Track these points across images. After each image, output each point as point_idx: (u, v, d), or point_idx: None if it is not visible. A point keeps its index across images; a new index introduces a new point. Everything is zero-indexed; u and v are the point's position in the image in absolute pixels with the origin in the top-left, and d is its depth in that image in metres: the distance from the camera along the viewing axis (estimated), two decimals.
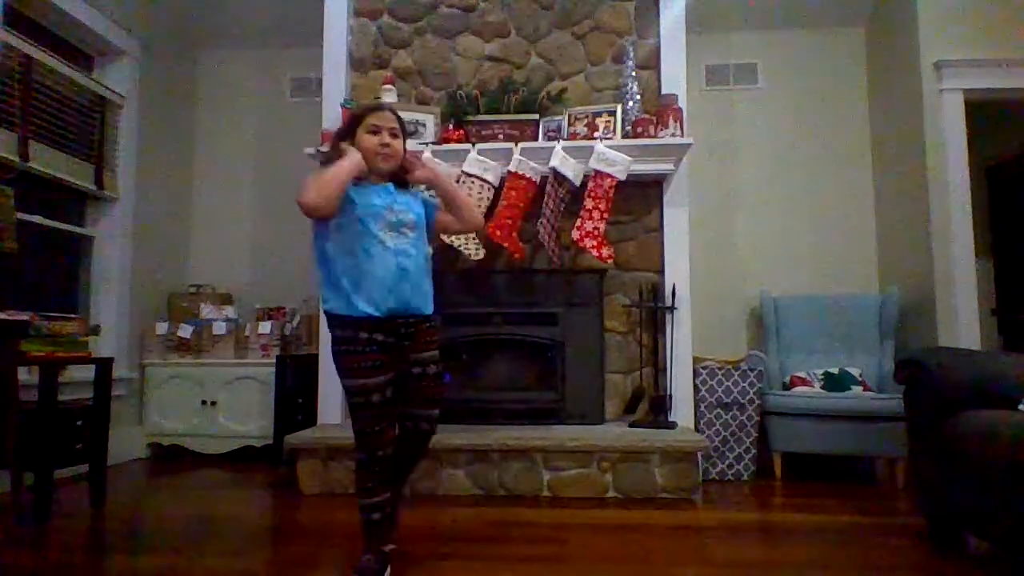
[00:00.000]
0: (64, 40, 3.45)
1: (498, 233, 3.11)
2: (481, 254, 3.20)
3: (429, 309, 1.89)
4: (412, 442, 1.93)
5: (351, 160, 1.76)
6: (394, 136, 1.86)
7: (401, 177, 1.92)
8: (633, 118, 3.21)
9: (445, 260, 3.28)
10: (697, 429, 3.22)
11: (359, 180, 1.81)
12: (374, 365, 1.77)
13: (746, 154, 4.12)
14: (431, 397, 1.91)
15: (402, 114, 3.21)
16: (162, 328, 3.82)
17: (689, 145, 3.14)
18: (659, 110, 3.21)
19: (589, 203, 3.12)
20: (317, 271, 1.84)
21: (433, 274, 1.95)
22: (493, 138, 3.24)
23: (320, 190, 1.69)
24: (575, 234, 3.12)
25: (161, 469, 3.50)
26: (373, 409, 1.77)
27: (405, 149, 1.91)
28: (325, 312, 1.82)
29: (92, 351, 2.72)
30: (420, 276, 1.85)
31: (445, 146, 3.19)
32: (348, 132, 1.87)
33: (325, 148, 1.94)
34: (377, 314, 1.75)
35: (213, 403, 3.72)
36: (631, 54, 3.28)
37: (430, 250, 1.97)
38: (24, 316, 2.47)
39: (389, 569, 1.82)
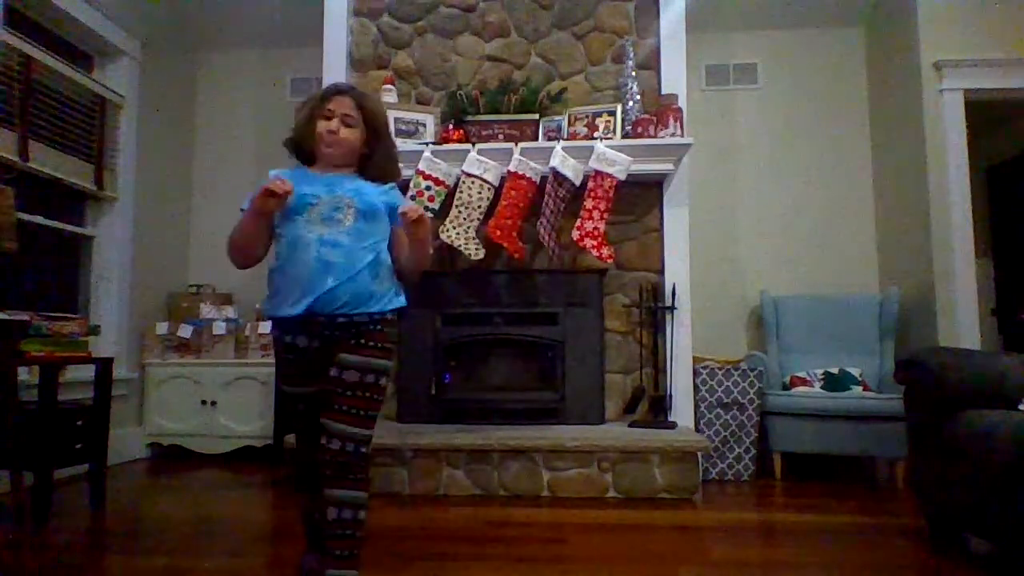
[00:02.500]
0: (64, 40, 3.45)
1: (498, 233, 3.11)
2: (481, 254, 3.20)
3: (374, 307, 1.59)
4: (333, 471, 1.54)
5: (253, 204, 1.57)
6: (347, 124, 1.66)
7: (375, 178, 1.71)
8: (633, 118, 3.21)
9: (445, 260, 3.28)
10: (697, 429, 3.22)
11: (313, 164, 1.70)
12: (295, 373, 1.64)
13: (746, 154, 4.12)
14: (346, 407, 1.55)
15: (402, 114, 3.29)
16: (162, 328, 3.82)
17: (689, 145, 3.14)
18: (659, 110, 3.21)
19: (589, 203, 3.12)
20: None
21: (433, 274, 1.85)
22: (493, 138, 3.24)
23: (236, 254, 1.65)
24: (575, 234, 3.12)
25: (161, 469, 3.50)
26: (298, 420, 1.67)
27: (374, 143, 1.70)
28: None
29: (92, 351, 2.72)
30: (354, 269, 1.56)
31: (445, 146, 3.19)
32: (308, 117, 1.69)
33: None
34: (292, 313, 1.54)
35: (213, 403, 3.72)
36: (631, 54, 3.28)
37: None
38: (24, 316, 2.47)
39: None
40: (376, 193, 1.67)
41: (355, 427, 1.55)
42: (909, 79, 3.61)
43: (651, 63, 3.43)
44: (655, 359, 3.30)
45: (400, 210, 1.62)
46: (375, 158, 1.71)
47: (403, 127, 3.28)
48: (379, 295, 1.60)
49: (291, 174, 1.64)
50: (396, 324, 1.69)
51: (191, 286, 4.12)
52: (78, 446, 2.60)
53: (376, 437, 2.93)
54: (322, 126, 1.66)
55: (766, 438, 3.31)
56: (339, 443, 1.54)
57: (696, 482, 2.83)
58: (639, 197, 3.35)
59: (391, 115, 3.25)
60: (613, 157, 3.06)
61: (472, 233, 3.18)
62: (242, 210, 1.62)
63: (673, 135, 3.14)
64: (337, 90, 1.71)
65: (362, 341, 1.59)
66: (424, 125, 3.30)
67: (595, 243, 3.09)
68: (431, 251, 1.75)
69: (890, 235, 3.88)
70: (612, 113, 3.21)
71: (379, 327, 1.61)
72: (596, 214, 3.12)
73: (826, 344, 3.63)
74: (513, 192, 3.13)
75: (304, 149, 1.72)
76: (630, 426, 3.13)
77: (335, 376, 1.57)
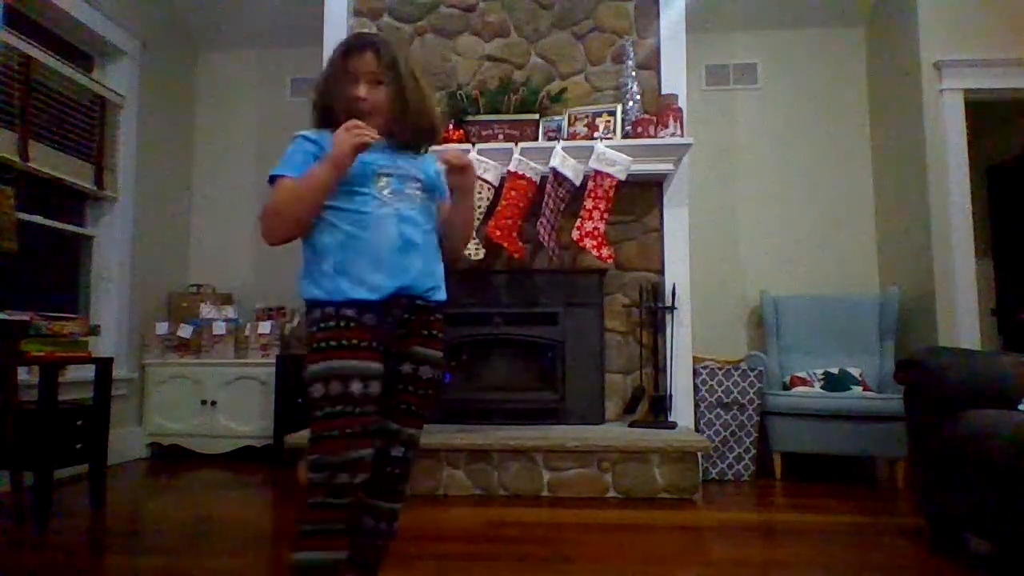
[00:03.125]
0: (64, 40, 3.45)
1: (498, 233, 3.11)
2: (481, 254, 3.20)
3: (442, 295, 1.42)
4: (385, 480, 1.39)
5: (326, 164, 1.28)
6: (375, 83, 1.35)
7: (410, 140, 1.42)
8: (633, 118, 3.21)
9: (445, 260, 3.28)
10: (697, 429, 3.22)
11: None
12: (358, 345, 1.28)
13: (746, 154, 4.12)
14: (416, 410, 1.40)
15: None
16: (162, 328, 3.82)
17: (689, 145, 3.14)
18: (659, 110, 3.21)
19: (589, 203, 3.12)
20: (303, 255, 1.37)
21: None
22: (493, 138, 3.24)
23: (286, 219, 1.29)
24: (575, 234, 3.12)
25: (161, 469, 3.50)
26: (345, 403, 1.24)
27: (403, 97, 1.36)
28: (304, 301, 1.34)
29: (92, 351, 2.72)
30: (430, 253, 1.40)
31: (445, 146, 3.19)
32: (331, 83, 1.39)
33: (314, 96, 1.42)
34: (372, 297, 1.29)
35: (213, 403, 3.72)
36: (631, 54, 3.28)
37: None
38: (24, 316, 2.47)
39: None
40: (433, 168, 1.44)
41: (419, 430, 1.42)
42: (909, 79, 3.61)
43: (651, 63, 3.43)
44: (655, 359, 3.30)
45: (442, 157, 1.41)
46: (407, 117, 1.38)
47: None
48: (442, 281, 1.43)
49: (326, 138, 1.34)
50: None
51: (191, 286, 4.12)
52: (78, 446, 2.59)
53: None
54: (349, 92, 1.36)
55: (766, 438, 3.31)
56: (403, 450, 1.39)
57: (696, 482, 2.83)
58: (639, 197, 3.35)
59: None
60: (613, 157, 3.06)
61: (472, 233, 3.18)
62: (273, 178, 1.31)
63: (673, 135, 3.14)
64: (358, 44, 1.38)
65: (434, 332, 1.41)
66: None
67: (595, 243, 3.09)
68: (471, 216, 1.54)
69: (890, 235, 3.88)
70: (612, 113, 3.21)
71: (438, 317, 1.43)
72: (596, 214, 3.12)
73: (826, 344, 3.63)
74: (513, 192, 3.13)
75: (334, 115, 1.37)
76: (630, 426, 3.13)
77: (409, 372, 1.38)
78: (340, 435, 1.24)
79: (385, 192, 1.34)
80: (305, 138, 1.36)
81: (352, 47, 1.38)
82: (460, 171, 1.41)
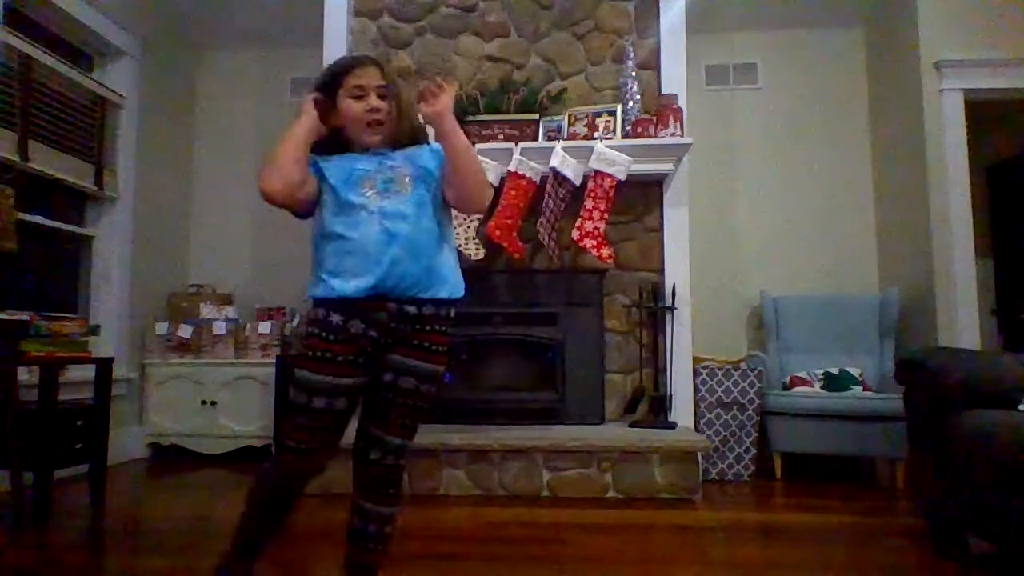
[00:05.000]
0: (64, 40, 3.45)
1: (498, 233, 3.11)
2: (481, 254, 3.20)
3: (443, 292, 1.41)
4: (367, 481, 1.45)
5: (301, 121, 1.41)
6: (382, 96, 1.43)
7: (408, 143, 1.49)
8: (633, 118, 3.21)
9: None
10: (697, 429, 3.22)
11: (347, 149, 1.46)
12: (332, 358, 1.34)
13: (746, 154, 4.12)
14: (400, 420, 1.42)
15: None
16: (162, 328, 3.82)
17: (689, 145, 3.14)
18: (659, 110, 3.21)
19: (589, 203, 3.12)
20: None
21: None
22: (493, 138, 3.24)
23: (270, 167, 1.36)
24: (575, 234, 3.12)
25: (161, 469, 3.50)
26: (315, 418, 1.34)
27: (400, 106, 1.45)
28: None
29: (92, 351, 2.72)
30: (422, 243, 1.39)
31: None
32: (327, 91, 1.46)
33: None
34: (355, 292, 1.34)
35: (213, 403, 3.72)
36: (631, 54, 3.28)
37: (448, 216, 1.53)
38: (24, 316, 2.47)
39: None
40: (421, 156, 1.46)
41: (402, 439, 1.44)
42: (909, 79, 3.61)
43: (651, 63, 3.43)
44: (655, 359, 3.30)
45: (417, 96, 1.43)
46: (404, 124, 1.47)
47: None
48: (445, 276, 1.43)
49: (337, 159, 1.45)
50: (453, 321, 1.48)
51: (191, 286, 4.12)
52: (78, 446, 2.60)
53: None
54: (359, 107, 1.42)
55: (766, 438, 3.31)
56: (380, 455, 1.43)
57: (696, 482, 2.83)
58: (639, 197, 3.35)
59: None
60: (613, 157, 3.06)
61: (472, 233, 3.18)
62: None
63: (673, 135, 3.13)
64: (358, 61, 1.47)
65: (425, 344, 1.42)
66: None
67: (595, 243, 3.09)
68: (472, 159, 1.46)
69: (890, 235, 3.88)
70: (612, 113, 3.21)
71: (442, 327, 1.44)
72: (596, 214, 3.12)
73: (826, 344, 3.62)
74: (513, 192, 3.13)
75: (338, 141, 1.47)
76: (630, 426, 3.13)
77: (389, 382, 1.41)
78: (294, 446, 1.36)
79: (369, 194, 1.39)
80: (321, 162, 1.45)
81: (353, 63, 1.47)
82: (426, 102, 1.40)
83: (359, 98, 1.43)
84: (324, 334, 1.36)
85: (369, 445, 1.44)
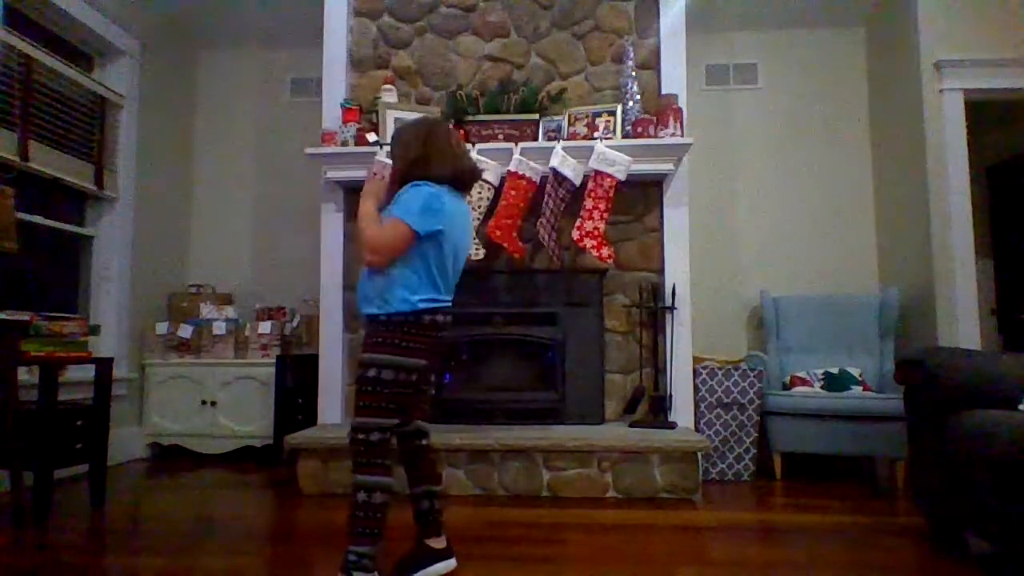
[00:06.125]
0: (64, 40, 3.45)
1: (498, 233, 3.11)
2: (481, 254, 3.20)
3: (366, 309, 1.83)
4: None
5: (366, 198, 1.88)
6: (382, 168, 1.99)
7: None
8: (633, 118, 3.21)
9: None
10: (697, 429, 3.22)
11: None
12: (430, 349, 1.89)
13: (746, 154, 4.12)
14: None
15: (402, 114, 3.29)
16: (162, 328, 3.82)
17: (689, 145, 3.14)
18: (659, 110, 3.21)
19: (589, 203, 3.12)
20: None
21: None
22: (493, 138, 3.24)
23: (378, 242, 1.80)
24: (575, 234, 3.12)
25: (161, 469, 3.50)
26: (414, 393, 1.90)
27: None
28: None
29: (92, 351, 2.72)
30: (363, 281, 1.85)
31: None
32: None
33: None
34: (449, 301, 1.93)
35: (213, 403, 3.72)
36: (631, 54, 3.28)
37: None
38: (24, 316, 2.47)
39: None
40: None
41: (356, 418, 1.81)
42: (909, 79, 3.61)
43: (651, 63, 3.43)
44: (655, 359, 3.30)
45: None
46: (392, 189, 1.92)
47: None
48: (372, 298, 1.82)
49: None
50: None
51: (191, 286, 4.12)
52: (78, 446, 2.60)
53: None
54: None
55: (766, 438, 3.31)
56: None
57: (696, 482, 2.83)
58: (639, 197, 3.35)
59: (391, 115, 3.25)
60: (613, 157, 3.06)
61: (472, 233, 3.18)
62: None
63: (673, 135, 3.13)
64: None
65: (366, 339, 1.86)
66: None
67: (595, 243, 3.10)
68: (363, 224, 1.83)
69: (890, 235, 3.88)
70: (612, 113, 3.21)
71: (369, 328, 1.86)
72: (596, 214, 3.12)
73: (826, 344, 3.63)
74: (513, 192, 3.13)
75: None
76: (630, 426, 3.13)
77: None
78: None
79: None
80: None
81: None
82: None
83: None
84: (432, 332, 1.86)
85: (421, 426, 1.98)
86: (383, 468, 1.75)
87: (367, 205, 1.85)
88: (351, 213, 3.42)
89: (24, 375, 2.65)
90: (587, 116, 3.25)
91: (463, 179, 1.91)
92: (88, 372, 2.77)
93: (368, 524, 1.71)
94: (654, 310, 3.29)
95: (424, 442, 1.97)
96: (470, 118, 3.27)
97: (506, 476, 2.87)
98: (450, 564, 1.90)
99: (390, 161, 1.98)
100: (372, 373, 1.76)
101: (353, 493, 1.73)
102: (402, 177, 1.87)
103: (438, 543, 1.91)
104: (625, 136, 3.19)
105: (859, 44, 4.13)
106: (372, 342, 1.79)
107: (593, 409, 3.23)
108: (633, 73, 3.28)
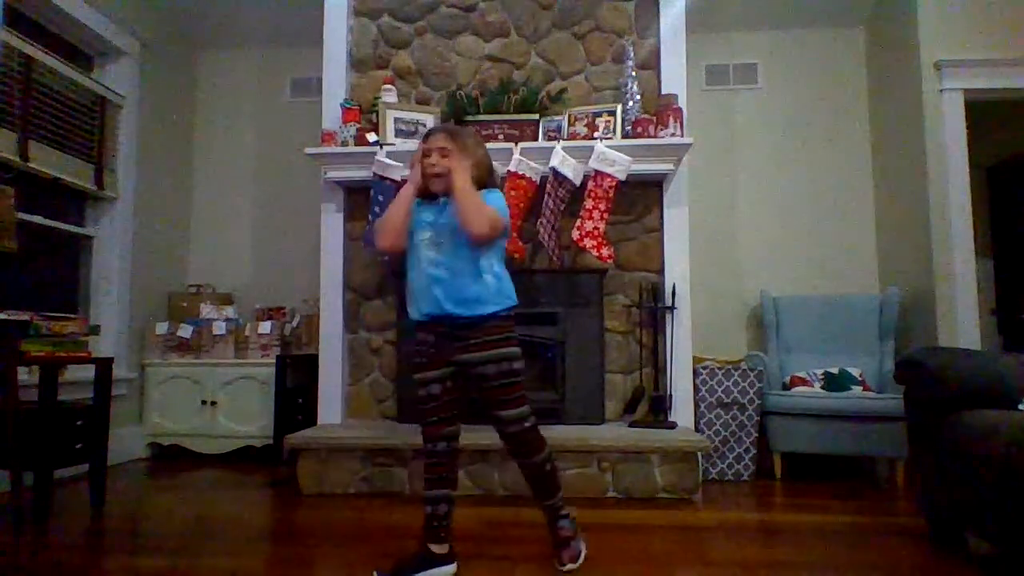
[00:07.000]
0: (64, 40, 3.45)
1: None
2: None
3: (473, 311, 1.89)
4: (507, 445, 2.01)
5: (405, 188, 1.95)
6: (443, 155, 1.91)
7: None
8: (633, 118, 3.21)
9: None
10: (697, 429, 3.22)
11: (425, 199, 1.98)
12: (422, 362, 1.95)
13: (746, 154, 4.12)
14: (493, 399, 1.93)
15: (402, 114, 3.29)
16: (162, 328, 3.82)
17: (689, 145, 3.14)
18: (659, 110, 3.20)
19: (589, 203, 3.12)
20: None
21: None
22: (493, 138, 3.23)
23: (382, 229, 1.95)
24: (575, 234, 3.12)
25: (161, 469, 3.50)
26: (427, 401, 1.95)
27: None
28: None
29: (92, 351, 2.72)
30: (456, 282, 1.89)
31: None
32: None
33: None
34: (419, 319, 1.95)
35: (213, 403, 3.72)
36: (631, 54, 3.28)
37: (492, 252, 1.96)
38: (24, 316, 2.47)
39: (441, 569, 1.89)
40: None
41: (508, 410, 1.98)
42: (909, 79, 3.61)
43: (651, 63, 3.43)
44: (655, 359, 3.30)
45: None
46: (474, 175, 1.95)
47: (403, 127, 3.28)
48: (480, 301, 1.91)
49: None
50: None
51: (191, 286, 4.12)
52: (78, 446, 2.60)
53: (377, 437, 2.94)
54: (425, 162, 1.93)
55: (766, 438, 3.31)
56: (503, 425, 1.98)
57: (696, 482, 2.83)
58: (639, 197, 3.35)
59: (390, 115, 3.25)
60: (613, 157, 3.06)
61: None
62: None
63: (673, 135, 3.13)
64: (431, 131, 2.01)
65: (470, 341, 1.92)
66: (424, 125, 3.29)
67: (595, 243, 3.09)
68: (469, 202, 1.87)
69: (890, 235, 3.88)
70: (612, 113, 3.21)
71: (481, 329, 1.92)
72: (596, 214, 3.12)
73: (826, 344, 3.63)
74: (513, 192, 3.13)
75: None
76: (630, 426, 3.13)
77: (475, 374, 1.95)
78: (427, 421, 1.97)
79: (428, 245, 1.94)
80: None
81: (428, 133, 1.99)
82: (438, 183, 1.94)
83: (426, 156, 1.93)
84: (416, 346, 1.99)
85: (495, 425, 1.97)
86: (545, 440, 1.99)
87: (466, 181, 1.88)
88: (351, 213, 3.43)
89: (24, 375, 2.65)
90: (587, 116, 3.25)
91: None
92: (88, 372, 2.77)
93: (558, 481, 2.00)
94: (654, 310, 3.29)
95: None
96: (470, 118, 3.27)
97: (506, 476, 2.87)
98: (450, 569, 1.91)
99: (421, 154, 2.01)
100: (518, 365, 1.95)
101: (540, 468, 1.96)
102: (479, 179, 1.95)
103: (441, 548, 1.91)
104: (625, 136, 3.19)
105: (859, 44, 4.13)
106: (502, 337, 1.93)
107: (593, 409, 3.23)
108: (633, 73, 3.27)
